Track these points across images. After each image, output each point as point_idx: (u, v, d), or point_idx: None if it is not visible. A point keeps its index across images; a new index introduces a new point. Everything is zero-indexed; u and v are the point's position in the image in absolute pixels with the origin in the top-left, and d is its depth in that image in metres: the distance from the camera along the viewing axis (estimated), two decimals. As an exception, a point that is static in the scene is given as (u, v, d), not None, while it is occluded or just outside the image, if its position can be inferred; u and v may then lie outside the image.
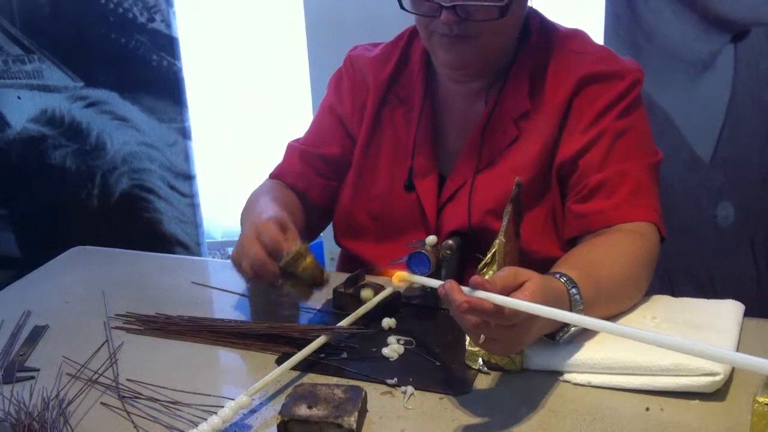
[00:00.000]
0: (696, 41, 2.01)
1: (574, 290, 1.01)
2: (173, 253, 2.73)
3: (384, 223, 1.39)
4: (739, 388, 0.98)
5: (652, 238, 1.19)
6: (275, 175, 1.47)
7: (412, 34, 1.40)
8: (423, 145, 1.35)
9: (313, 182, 1.44)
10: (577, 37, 1.32)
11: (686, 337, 1.04)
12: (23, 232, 2.84)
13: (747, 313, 1.15)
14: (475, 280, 0.90)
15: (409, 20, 1.45)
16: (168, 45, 2.54)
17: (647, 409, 0.96)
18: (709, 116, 2.04)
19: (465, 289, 0.90)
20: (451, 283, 0.91)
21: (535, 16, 1.33)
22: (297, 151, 1.46)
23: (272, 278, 1.14)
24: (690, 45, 2.02)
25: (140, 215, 2.74)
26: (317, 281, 1.17)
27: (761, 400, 0.83)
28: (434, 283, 0.99)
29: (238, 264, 1.19)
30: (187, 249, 2.76)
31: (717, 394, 0.97)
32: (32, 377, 1.09)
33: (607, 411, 0.96)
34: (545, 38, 1.31)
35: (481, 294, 0.89)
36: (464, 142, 1.33)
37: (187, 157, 2.65)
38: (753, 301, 1.20)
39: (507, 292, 0.90)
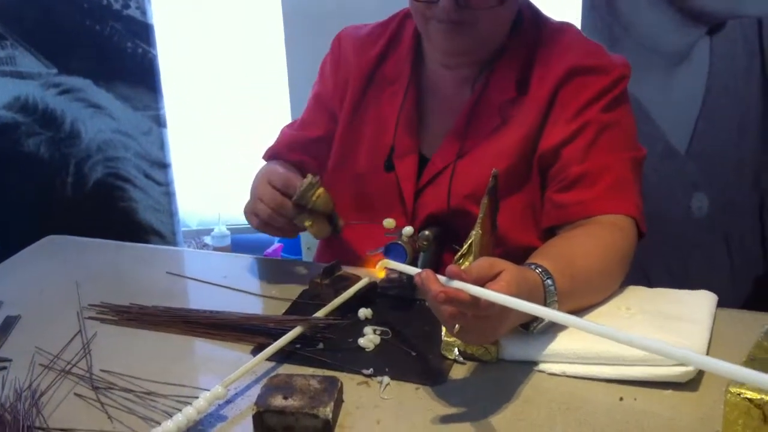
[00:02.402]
0: (672, 33, 2.02)
1: (548, 281, 1.01)
2: (148, 241, 2.72)
3: (363, 204, 1.39)
4: (711, 378, 0.99)
5: (629, 231, 1.20)
6: (270, 157, 1.49)
7: (406, 16, 1.40)
8: (406, 124, 1.36)
9: (304, 165, 1.44)
10: (567, 30, 1.34)
11: (660, 327, 1.06)
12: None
13: (720, 304, 1.16)
14: (451, 270, 0.90)
15: (388, 8, 1.45)
16: (143, 32, 2.51)
17: (621, 398, 0.97)
18: (684, 108, 2.05)
19: (441, 278, 0.90)
20: (428, 273, 0.91)
21: (527, 7, 1.34)
22: (287, 137, 1.49)
23: (288, 214, 1.22)
24: (666, 37, 2.03)
25: (115, 204, 2.72)
26: (332, 215, 1.24)
27: (734, 390, 0.84)
28: (412, 270, 0.99)
29: (250, 214, 1.28)
30: (162, 238, 2.74)
31: (690, 384, 0.98)
32: (4, 368, 1.08)
33: (582, 401, 0.97)
34: (536, 29, 1.31)
35: (457, 284, 0.89)
36: (449, 127, 1.33)
37: (162, 145, 2.63)
38: (726, 292, 1.21)
39: (482, 282, 0.91)
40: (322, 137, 1.45)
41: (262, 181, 1.26)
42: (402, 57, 1.38)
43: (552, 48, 1.30)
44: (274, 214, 1.24)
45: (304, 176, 1.39)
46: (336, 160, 1.42)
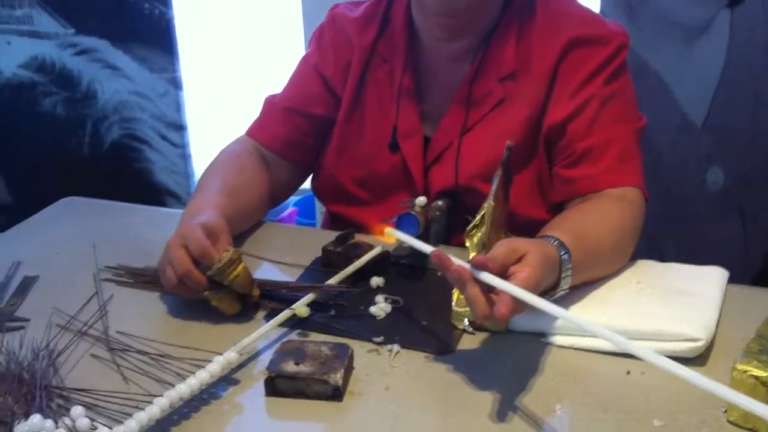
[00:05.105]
0: (691, 5, 2.00)
1: (565, 255, 1.01)
2: (164, 203, 2.73)
3: (369, 186, 1.39)
4: (719, 354, 1.00)
5: (638, 203, 1.21)
6: (252, 133, 1.45)
7: None
8: (406, 102, 1.35)
9: (295, 141, 1.42)
10: None
11: (669, 302, 1.06)
12: (14, 178, 2.83)
13: (733, 279, 1.16)
14: (477, 260, 0.90)
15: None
16: (159, -7, 2.51)
17: (628, 372, 0.97)
18: (702, 81, 2.04)
19: (465, 264, 0.91)
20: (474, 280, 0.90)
21: None
22: (279, 109, 1.44)
23: (198, 288, 1.08)
24: (685, 9, 2.01)
25: (131, 165, 2.74)
26: (248, 293, 1.11)
27: (740, 367, 0.85)
28: (426, 248, 1.00)
29: (162, 272, 1.11)
30: (178, 200, 2.76)
31: (697, 359, 0.98)
32: (22, 327, 1.10)
33: (589, 373, 0.98)
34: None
35: (485, 276, 0.90)
36: (449, 104, 1.33)
37: (178, 107, 2.64)
38: (739, 267, 1.21)
39: (508, 267, 0.92)
40: (323, 116, 1.41)
41: (176, 238, 1.10)
42: (395, 37, 1.36)
43: (548, 17, 1.28)
44: (181, 284, 1.09)
45: (270, 177, 1.35)
46: (339, 144, 1.39)
